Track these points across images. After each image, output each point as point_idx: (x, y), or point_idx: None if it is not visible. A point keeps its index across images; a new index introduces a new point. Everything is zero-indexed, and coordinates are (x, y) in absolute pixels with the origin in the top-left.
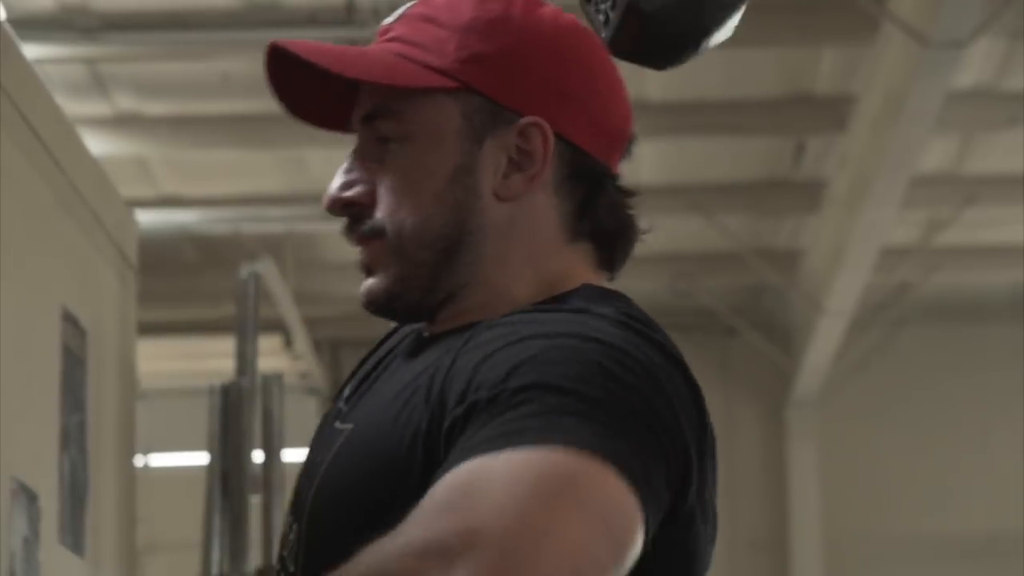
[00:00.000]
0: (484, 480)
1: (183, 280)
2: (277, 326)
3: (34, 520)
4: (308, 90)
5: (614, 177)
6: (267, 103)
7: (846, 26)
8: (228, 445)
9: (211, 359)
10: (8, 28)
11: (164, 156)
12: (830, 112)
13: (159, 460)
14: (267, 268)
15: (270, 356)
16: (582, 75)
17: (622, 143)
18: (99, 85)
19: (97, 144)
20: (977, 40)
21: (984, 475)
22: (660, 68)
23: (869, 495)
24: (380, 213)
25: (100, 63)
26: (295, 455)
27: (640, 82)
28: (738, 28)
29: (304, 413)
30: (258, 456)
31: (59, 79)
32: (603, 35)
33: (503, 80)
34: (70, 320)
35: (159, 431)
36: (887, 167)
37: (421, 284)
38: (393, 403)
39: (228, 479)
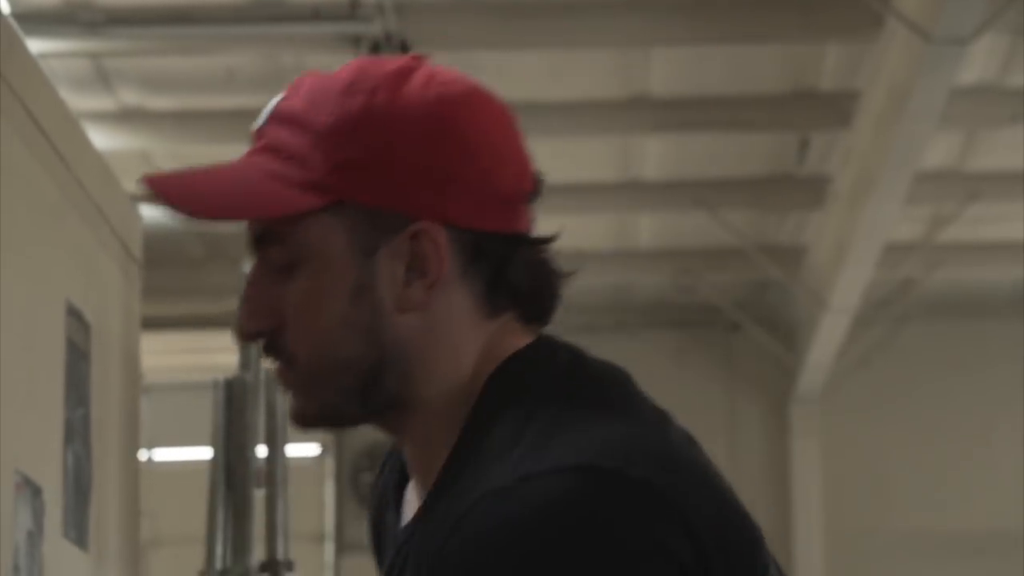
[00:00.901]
0: None
1: (187, 274)
2: None
3: (38, 514)
4: None
5: (522, 236)
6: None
7: (850, 22)
8: (232, 439)
9: (215, 353)
10: (12, 22)
11: (168, 150)
12: (834, 108)
13: (163, 454)
14: None
15: None
16: (460, 153)
17: (523, 200)
18: (103, 79)
19: (101, 138)
20: (980, 37)
21: (986, 471)
22: None
23: (872, 491)
24: (291, 341)
25: (104, 57)
26: (298, 450)
27: (644, 78)
28: (743, 24)
29: None
30: (262, 451)
31: (63, 73)
32: None
33: (377, 184)
34: (74, 314)
35: (163, 425)
36: (890, 163)
37: (353, 406)
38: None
39: (232, 473)
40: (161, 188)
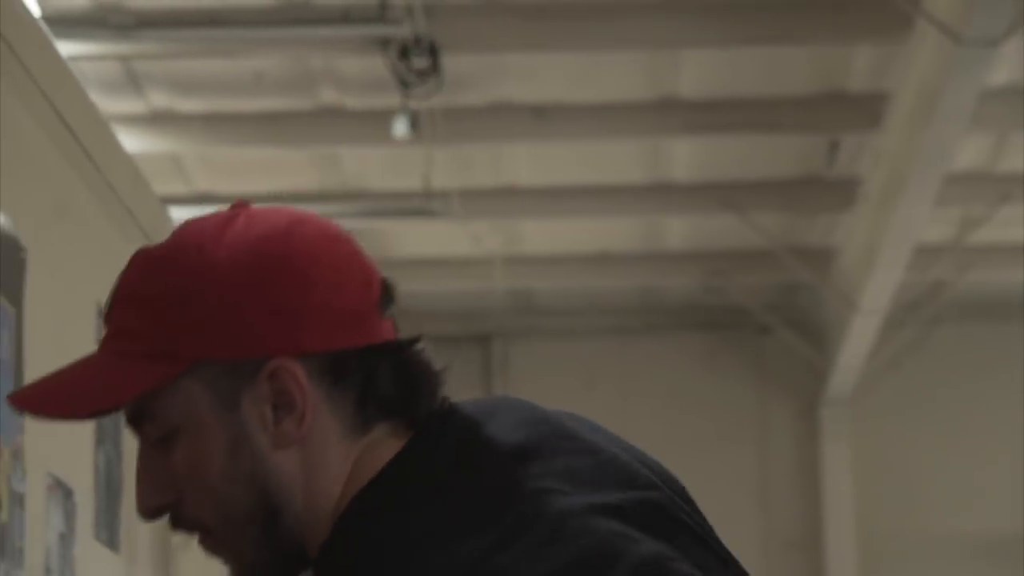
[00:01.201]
0: None
1: None
2: None
3: (69, 515)
4: None
5: (384, 345)
6: (300, 100)
7: (880, 23)
8: None
9: None
10: (43, 26)
11: (198, 153)
12: (864, 110)
13: None
14: None
15: None
16: (296, 284)
17: (374, 310)
18: (133, 82)
19: (131, 141)
20: (1011, 38)
21: (1017, 473)
22: None
23: (902, 493)
24: (193, 509)
25: (135, 60)
26: None
27: (674, 79)
28: (772, 25)
29: None
30: None
31: (94, 76)
32: None
33: (222, 339)
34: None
35: None
36: (921, 165)
37: (269, 554)
38: None
39: None
40: (22, 402)
